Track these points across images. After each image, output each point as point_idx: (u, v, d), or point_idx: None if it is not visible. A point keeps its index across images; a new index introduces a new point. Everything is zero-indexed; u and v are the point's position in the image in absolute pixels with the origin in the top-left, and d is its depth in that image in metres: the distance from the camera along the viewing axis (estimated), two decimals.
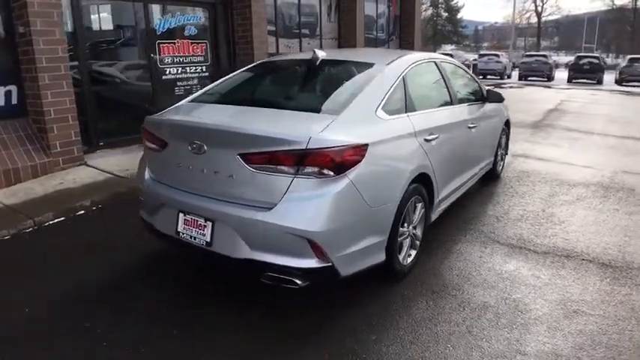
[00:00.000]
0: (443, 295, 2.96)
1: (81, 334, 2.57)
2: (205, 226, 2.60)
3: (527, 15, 58.63)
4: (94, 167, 5.68)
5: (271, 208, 2.38)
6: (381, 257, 2.75)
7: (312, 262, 2.40)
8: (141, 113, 6.87)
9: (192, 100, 3.33)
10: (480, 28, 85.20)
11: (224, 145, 2.51)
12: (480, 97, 4.50)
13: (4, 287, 3.10)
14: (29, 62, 5.19)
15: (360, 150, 2.45)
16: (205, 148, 2.55)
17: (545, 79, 24.12)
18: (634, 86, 21.56)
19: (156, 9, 6.90)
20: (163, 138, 2.84)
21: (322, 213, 2.34)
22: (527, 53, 29.31)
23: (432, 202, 3.34)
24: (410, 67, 3.31)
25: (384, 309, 2.79)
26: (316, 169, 2.34)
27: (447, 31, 58.19)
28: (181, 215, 2.72)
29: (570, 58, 30.06)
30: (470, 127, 4.03)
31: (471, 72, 4.72)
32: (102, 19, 6.24)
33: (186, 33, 7.39)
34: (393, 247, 2.84)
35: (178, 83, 7.41)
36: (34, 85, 5.24)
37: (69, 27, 5.77)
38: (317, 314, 2.75)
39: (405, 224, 2.99)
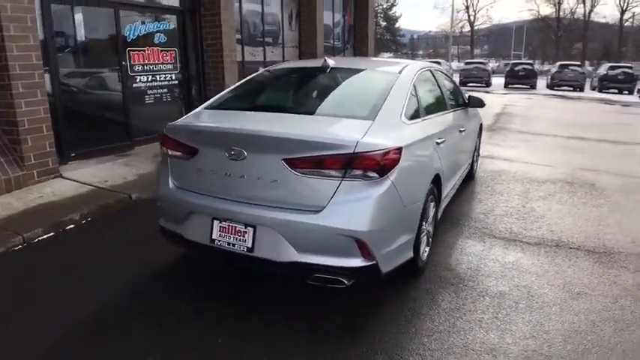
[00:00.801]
0: (461, 287, 3.17)
1: (107, 347, 2.53)
2: (246, 232, 2.63)
3: (461, 24, 61.93)
4: (71, 179, 5.44)
5: (319, 211, 2.46)
6: (410, 254, 2.91)
7: (358, 262, 2.50)
8: (112, 122, 6.77)
9: (209, 108, 3.32)
10: (415, 36, 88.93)
11: (267, 151, 2.56)
12: (462, 103, 4.81)
13: (16, 309, 2.95)
14: (1, 69, 4.91)
15: (397, 153, 2.60)
16: (246, 154, 2.59)
17: (484, 85, 25.63)
18: (564, 90, 23.46)
19: (126, 16, 6.72)
20: (192, 145, 2.82)
21: (369, 213, 2.46)
22: (467, 61, 31.04)
23: (440, 200, 3.56)
24: (416, 75, 3.52)
25: (413, 304, 2.94)
26: (361, 172, 2.47)
27: (386, 39, 60.10)
28: (216, 222, 2.73)
29: (499, 65, 32.09)
30: (460, 131, 4.32)
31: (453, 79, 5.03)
32: (72, 25, 5.99)
33: (155, 40, 7.25)
34: (418, 243, 3.01)
35: (149, 91, 7.25)
36: (6, 93, 4.96)
37: (39, 34, 5.51)
38: (346, 314, 2.84)
39: (424, 222, 3.18)
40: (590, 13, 53.16)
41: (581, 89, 23.35)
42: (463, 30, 64.18)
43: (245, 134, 2.68)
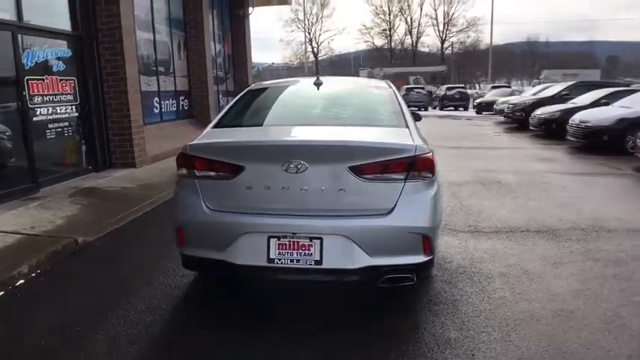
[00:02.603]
0: (470, 274, 3.57)
1: None
2: (311, 245, 2.64)
3: (307, 55, 66.06)
4: None
5: (388, 213, 2.62)
6: (439, 247, 3.22)
7: (421, 257, 2.70)
8: (14, 162, 5.80)
9: (222, 126, 3.22)
10: (260, 68, 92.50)
11: (332, 161, 2.63)
12: None
13: None
14: None
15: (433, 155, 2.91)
16: (307, 166, 2.62)
17: None
18: (412, 109, 26.60)
19: (23, 40, 5.91)
20: (237, 162, 2.73)
21: (431, 210, 2.70)
22: None
23: None
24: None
25: (445, 294, 3.24)
26: (419, 173, 2.70)
27: None
28: (273, 241, 2.68)
29: None
30: None
31: None
32: None
33: (54, 69, 6.51)
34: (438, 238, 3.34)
35: (49, 125, 6.45)
36: None
37: None
38: (397, 312, 3.03)
39: None
40: (416, 43, 62.13)
41: (426, 108, 26.91)
42: (308, 60, 68.53)
43: (309, 145, 2.72)
